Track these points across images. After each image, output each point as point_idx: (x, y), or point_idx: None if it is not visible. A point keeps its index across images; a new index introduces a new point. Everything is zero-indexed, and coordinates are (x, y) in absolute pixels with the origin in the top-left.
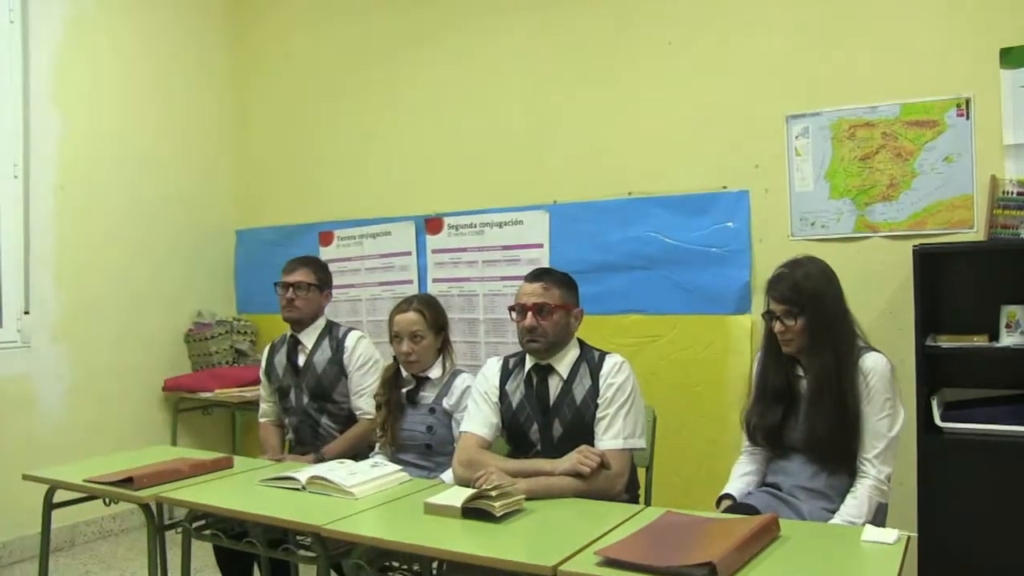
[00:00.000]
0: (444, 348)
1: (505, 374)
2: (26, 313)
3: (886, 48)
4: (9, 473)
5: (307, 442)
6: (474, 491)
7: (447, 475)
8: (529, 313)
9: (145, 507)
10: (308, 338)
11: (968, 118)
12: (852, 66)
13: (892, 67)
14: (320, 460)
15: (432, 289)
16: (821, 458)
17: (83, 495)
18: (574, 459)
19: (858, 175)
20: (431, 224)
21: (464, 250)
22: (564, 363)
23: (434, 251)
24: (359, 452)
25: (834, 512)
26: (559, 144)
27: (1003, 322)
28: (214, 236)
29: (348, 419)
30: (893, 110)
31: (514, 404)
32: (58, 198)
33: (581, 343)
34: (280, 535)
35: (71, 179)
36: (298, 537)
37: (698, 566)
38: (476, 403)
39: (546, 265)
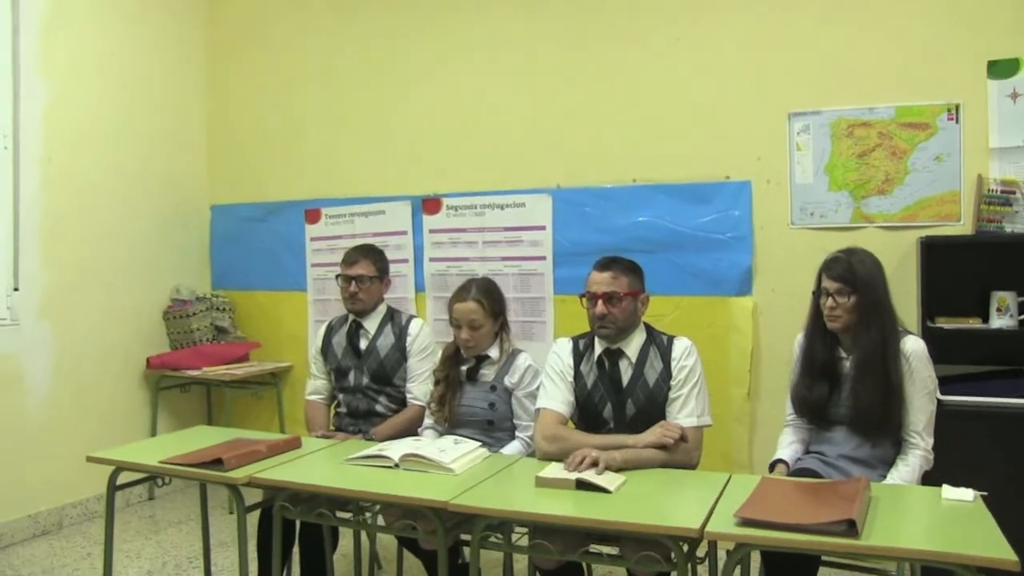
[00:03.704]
0: (502, 330)
1: (577, 356)
2: (16, 290)
3: (884, 55)
4: None
5: (362, 418)
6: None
7: (507, 449)
8: (599, 301)
9: (233, 488)
10: (371, 323)
11: (958, 122)
12: (852, 70)
13: (889, 73)
14: (369, 440)
15: (429, 268)
16: (864, 430)
17: (144, 475)
18: (658, 433)
19: (855, 170)
20: (428, 204)
21: (464, 231)
22: (633, 347)
23: (431, 231)
24: (406, 436)
25: (881, 478)
26: (562, 130)
27: (994, 306)
28: (188, 211)
29: (405, 402)
30: (889, 112)
31: (588, 385)
32: (44, 171)
33: (647, 327)
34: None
35: (56, 151)
36: (364, 512)
37: (837, 523)
38: (553, 381)
39: (550, 246)
